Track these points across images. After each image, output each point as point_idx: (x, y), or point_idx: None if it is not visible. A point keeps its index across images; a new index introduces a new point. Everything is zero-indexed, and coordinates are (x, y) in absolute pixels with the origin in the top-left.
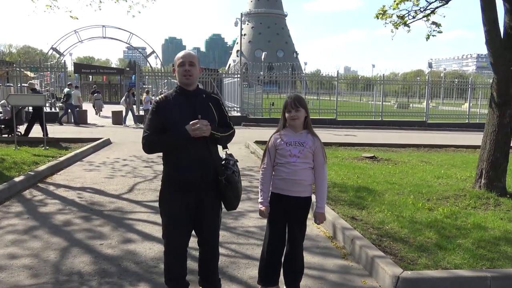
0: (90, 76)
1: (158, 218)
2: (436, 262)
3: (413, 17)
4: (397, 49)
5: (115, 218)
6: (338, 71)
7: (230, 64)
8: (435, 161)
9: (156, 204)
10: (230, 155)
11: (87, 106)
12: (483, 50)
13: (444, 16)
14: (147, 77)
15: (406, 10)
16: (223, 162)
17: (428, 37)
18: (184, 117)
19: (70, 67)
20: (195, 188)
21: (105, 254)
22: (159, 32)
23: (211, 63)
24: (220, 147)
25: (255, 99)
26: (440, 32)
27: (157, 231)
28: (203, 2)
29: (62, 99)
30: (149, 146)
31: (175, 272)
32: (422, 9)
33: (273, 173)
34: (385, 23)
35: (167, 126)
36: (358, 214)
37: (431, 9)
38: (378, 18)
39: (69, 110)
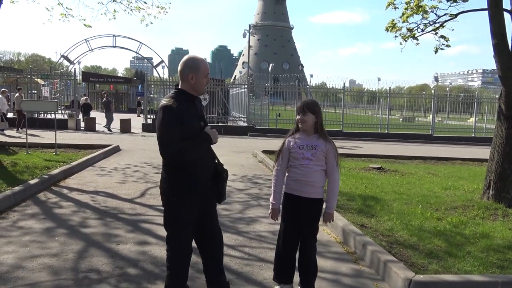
0: (98, 85)
1: None
2: (446, 268)
3: (422, 30)
4: (402, 63)
5: (129, 221)
6: (344, 83)
7: (235, 76)
8: (442, 173)
9: None
10: None
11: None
12: (489, 65)
13: (452, 30)
14: (153, 86)
15: (415, 23)
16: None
17: (436, 50)
18: (193, 121)
19: (79, 76)
20: (203, 191)
21: (122, 254)
22: (166, 43)
23: (217, 74)
24: None
25: (262, 109)
26: (448, 46)
27: None
28: (210, 14)
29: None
30: (177, 157)
31: (181, 278)
32: (431, 23)
33: (287, 174)
34: (395, 36)
35: (184, 132)
36: (367, 222)
37: (440, 23)
38: (388, 31)
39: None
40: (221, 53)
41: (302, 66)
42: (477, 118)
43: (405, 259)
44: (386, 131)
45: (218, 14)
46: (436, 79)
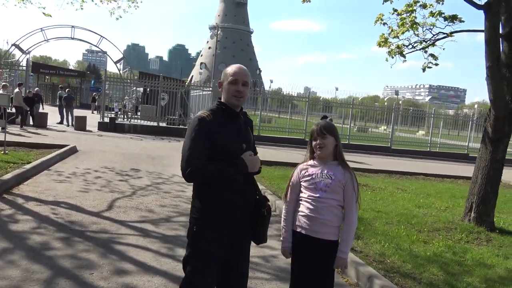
0: (48, 77)
1: (149, 243)
2: None
3: (413, 47)
4: (354, 73)
5: (100, 241)
6: (309, 92)
7: (193, 76)
8: (410, 189)
9: (145, 226)
10: None
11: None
12: (434, 81)
13: (443, 49)
14: (108, 83)
15: (408, 40)
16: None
17: (424, 69)
18: (231, 141)
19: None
20: (236, 225)
21: (99, 287)
22: (122, 37)
23: (173, 73)
24: None
25: None
26: (436, 64)
27: (152, 259)
28: (168, 11)
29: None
30: (198, 175)
31: None
32: (426, 40)
33: (297, 208)
34: (388, 51)
35: (214, 150)
36: (355, 245)
37: (433, 41)
38: (380, 46)
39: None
40: (179, 52)
41: (260, 71)
42: (426, 132)
43: None
44: (347, 142)
45: (176, 13)
46: (397, 93)
